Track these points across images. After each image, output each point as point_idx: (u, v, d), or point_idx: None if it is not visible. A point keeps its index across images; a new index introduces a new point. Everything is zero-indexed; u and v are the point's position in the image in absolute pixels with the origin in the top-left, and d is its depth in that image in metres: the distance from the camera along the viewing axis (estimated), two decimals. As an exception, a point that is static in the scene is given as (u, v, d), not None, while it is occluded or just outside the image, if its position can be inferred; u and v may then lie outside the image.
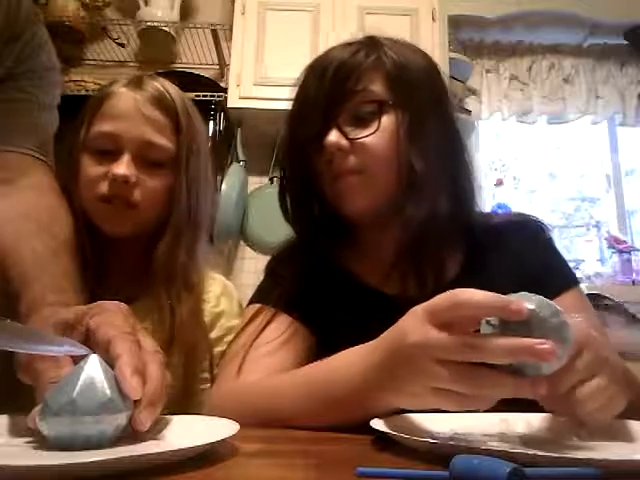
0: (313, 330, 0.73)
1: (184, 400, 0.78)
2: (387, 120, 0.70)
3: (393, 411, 0.50)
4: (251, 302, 0.77)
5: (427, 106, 0.72)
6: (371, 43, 0.73)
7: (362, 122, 0.70)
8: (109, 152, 0.82)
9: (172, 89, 0.88)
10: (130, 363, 0.43)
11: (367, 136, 0.69)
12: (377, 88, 0.70)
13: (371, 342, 0.52)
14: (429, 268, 0.70)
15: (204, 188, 0.89)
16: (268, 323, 0.71)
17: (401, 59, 0.72)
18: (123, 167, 0.80)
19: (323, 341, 0.71)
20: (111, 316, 0.48)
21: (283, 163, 0.79)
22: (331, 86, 0.70)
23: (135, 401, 0.42)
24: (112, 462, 0.34)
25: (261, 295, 0.77)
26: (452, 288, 0.44)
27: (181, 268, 0.84)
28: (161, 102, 0.85)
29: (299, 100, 0.74)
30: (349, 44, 0.74)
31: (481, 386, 0.42)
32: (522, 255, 0.74)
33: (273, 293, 0.74)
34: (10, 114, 0.74)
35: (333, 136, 0.69)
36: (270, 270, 0.81)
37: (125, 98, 0.84)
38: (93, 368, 0.41)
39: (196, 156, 0.87)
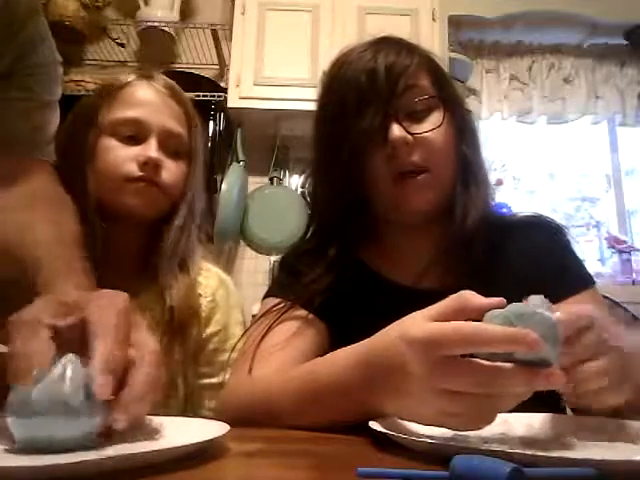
0: (329, 325, 0.73)
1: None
2: (440, 115, 0.72)
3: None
4: (267, 295, 0.78)
5: (461, 104, 0.78)
6: (405, 45, 0.75)
7: (416, 118, 0.71)
8: (133, 137, 0.86)
9: (176, 84, 0.94)
10: (105, 362, 0.41)
11: (431, 130, 0.70)
12: (427, 84, 0.73)
13: (362, 341, 0.51)
14: (469, 262, 0.70)
15: (200, 180, 0.95)
16: (283, 316, 0.71)
17: (433, 59, 0.77)
18: (154, 151, 0.85)
19: (342, 337, 0.70)
20: (106, 309, 0.47)
21: (320, 162, 0.78)
22: (386, 83, 0.70)
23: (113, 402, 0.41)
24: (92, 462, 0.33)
25: (277, 289, 0.78)
26: (469, 284, 0.45)
27: (181, 252, 0.88)
28: (174, 92, 0.91)
29: (345, 100, 0.72)
30: (374, 43, 0.74)
31: (493, 383, 0.40)
32: (539, 254, 0.74)
33: (291, 287, 0.74)
34: (10, 113, 0.74)
35: (397, 131, 0.69)
36: (288, 265, 0.81)
37: (142, 86, 0.89)
38: (62, 369, 0.39)
39: (200, 150, 0.94)
